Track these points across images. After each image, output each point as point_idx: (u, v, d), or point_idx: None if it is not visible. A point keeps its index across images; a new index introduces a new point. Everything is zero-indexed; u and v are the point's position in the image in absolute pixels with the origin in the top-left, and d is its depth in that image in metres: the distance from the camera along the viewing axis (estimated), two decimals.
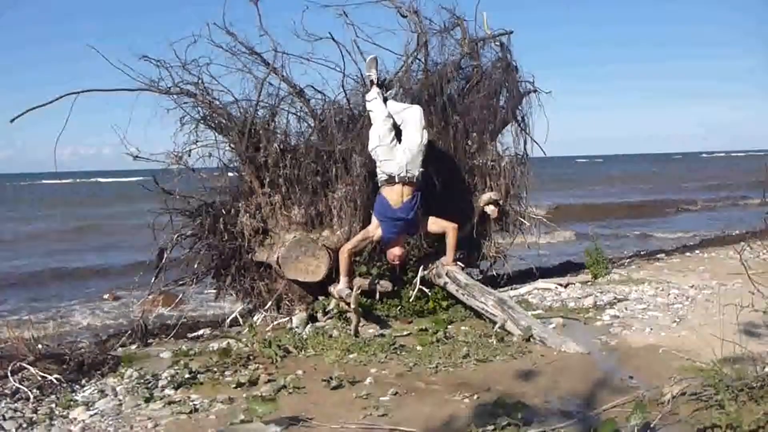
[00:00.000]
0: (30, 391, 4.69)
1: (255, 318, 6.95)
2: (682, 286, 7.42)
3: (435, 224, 6.59)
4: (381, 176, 6.38)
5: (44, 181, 61.52)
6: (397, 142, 6.43)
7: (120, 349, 6.33)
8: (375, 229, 6.41)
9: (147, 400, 4.52)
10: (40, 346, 5.35)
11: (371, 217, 6.53)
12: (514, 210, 7.66)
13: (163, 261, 6.93)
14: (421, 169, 6.39)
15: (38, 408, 4.47)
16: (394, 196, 6.31)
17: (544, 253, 11.53)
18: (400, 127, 6.52)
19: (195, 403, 4.43)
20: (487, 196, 7.22)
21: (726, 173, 41.57)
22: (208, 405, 4.40)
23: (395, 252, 6.42)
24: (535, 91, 7.67)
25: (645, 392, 3.95)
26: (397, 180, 6.30)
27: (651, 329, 5.76)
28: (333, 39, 6.93)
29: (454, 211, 6.96)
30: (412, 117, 6.48)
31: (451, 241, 6.58)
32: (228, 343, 5.94)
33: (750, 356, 4.12)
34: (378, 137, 6.40)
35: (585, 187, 35.77)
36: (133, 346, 6.44)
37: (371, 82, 6.78)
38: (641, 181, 39.99)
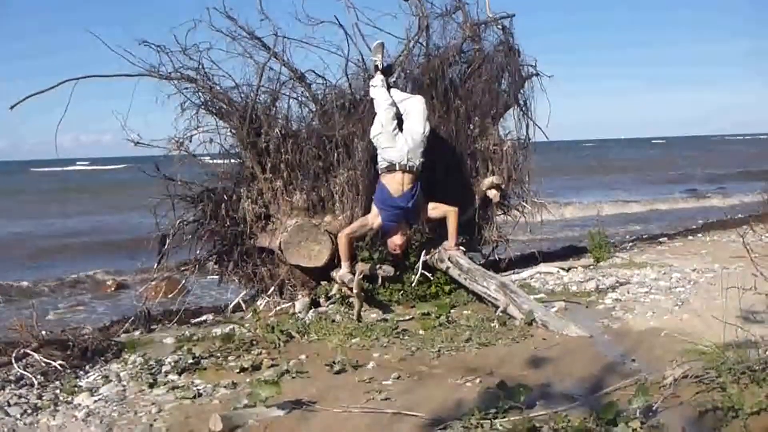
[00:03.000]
0: (34, 377, 4.71)
1: (258, 303, 6.97)
2: (685, 269, 7.41)
3: (435, 209, 6.58)
4: (382, 163, 6.39)
5: (33, 169, 61.56)
6: (399, 130, 6.42)
7: (123, 335, 6.36)
8: (374, 218, 6.42)
9: (151, 386, 4.54)
10: (43, 332, 5.38)
11: (372, 202, 6.52)
12: (517, 194, 7.66)
13: (166, 247, 6.94)
14: (421, 159, 6.38)
15: (43, 394, 4.49)
16: (395, 184, 6.31)
17: (547, 237, 11.56)
18: (402, 117, 6.50)
19: (198, 388, 4.45)
20: (489, 180, 7.21)
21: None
22: (211, 390, 4.42)
23: (396, 241, 6.42)
24: (537, 74, 7.64)
25: (647, 375, 3.96)
26: (397, 168, 6.30)
27: (653, 312, 5.76)
28: (338, 22, 6.90)
29: (456, 195, 6.95)
30: (414, 107, 6.47)
31: (452, 225, 6.57)
32: (231, 328, 5.97)
33: (752, 339, 4.13)
34: (380, 124, 6.40)
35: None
36: (137, 332, 6.46)
37: (376, 67, 6.75)
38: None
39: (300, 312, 6.46)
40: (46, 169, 60.58)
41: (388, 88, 6.69)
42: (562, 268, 7.74)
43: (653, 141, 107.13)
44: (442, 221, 6.69)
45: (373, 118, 6.56)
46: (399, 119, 6.51)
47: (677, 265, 7.73)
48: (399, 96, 6.63)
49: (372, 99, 6.69)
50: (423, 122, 6.40)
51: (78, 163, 67.19)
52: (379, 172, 6.44)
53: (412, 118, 6.44)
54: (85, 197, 28.74)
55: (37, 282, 11.38)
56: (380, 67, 6.75)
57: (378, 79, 6.67)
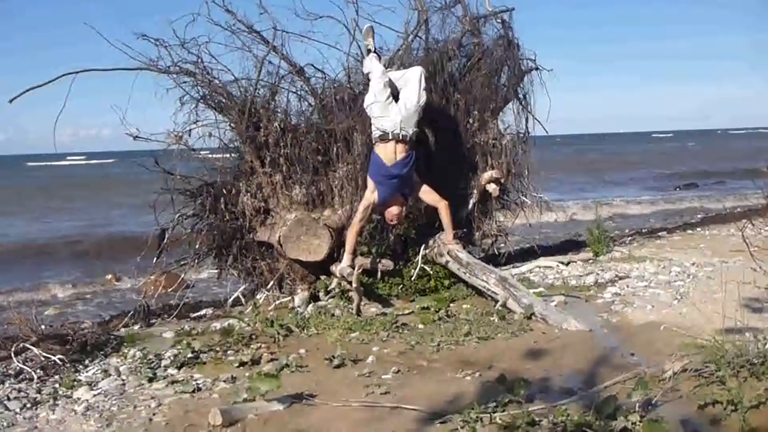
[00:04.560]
0: (34, 371, 4.72)
1: (257, 298, 6.96)
2: (684, 263, 7.42)
3: (428, 194, 6.52)
4: (375, 132, 6.32)
5: (28, 163, 61.62)
6: (394, 101, 6.39)
7: (123, 329, 6.36)
8: (372, 193, 6.34)
9: (150, 380, 4.55)
10: (43, 326, 5.38)
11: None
12: (516, 188, 7.65)
13: (165, 241, 6.93)
14: (415, 129, 6.34)
15: (42, 388, 4.50)
16: (388, 153, 6.25)
17: (546, 231, 11.57)
18: (401, 89, 6.46)
19: (198, 382, 4.46)
20: (488, 174, 7.20)
21: None
22: (210, 384, 4.43)
23: (393, 211, 6.36)
24: (536, 68, 7.62)
25: (646, 369, 3.96)
26: (390, 137, 6.24)
27: (652, 306, 5.76)
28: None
29: (455, 189, 6.95)
30: (413, 76, 6.41)
31: (445, 219, 6.53)
32: (230, 322, 5.97)
33: (751, 332, 4.13)
34: (373, 94, 6.35)
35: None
36: (136, 327, 6.47)
37: (368, 50, 6.74)
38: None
39: (299, 306, 6.46)
40: (41, 163, 60.64)
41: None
42: (562, 262, 7.74)
43: (653, 135, 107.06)
44: (434, 210, 6.63)
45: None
46: (395, 93, 6.47)
47: (676, 259, 7.74)
48: (398, 73, 6.59)
49: (367, 74, 6.65)
50: (418, 91, 6.35)
51: (69, 157, 66.69)
52: (373, 141, 6.40)
53: (408, 87, 6.39)
54: (74, 192, 28.27)
55: (36, 277, 11.39)
56: (373, 50, 6.73)
57: (371, 55, 6.65)
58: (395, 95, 6.41)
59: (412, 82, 6.39)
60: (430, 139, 6.88)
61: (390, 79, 6.45)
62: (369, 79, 6.60)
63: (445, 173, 6.98)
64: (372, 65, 6.54)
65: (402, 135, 6.23)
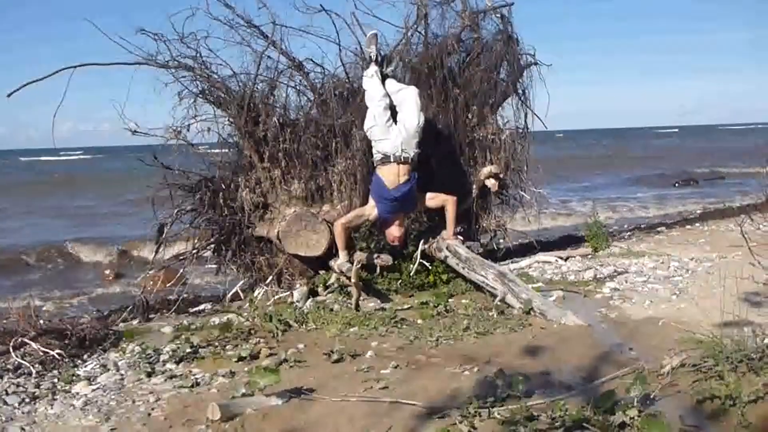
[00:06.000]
0: (32, 366, 4.71)
1: (256, 293, 6.96)
2: (683, 258, 7.42)
3: (433, 199, 6.56)
4: (376, 156, 6.36)
5: (22, 159, 61.83)
6: (393, 122, 6.39)
7: (121, 324, 6.37)
8: (371, 209, 6.40)
9: (149, 375, 4.54)
10: (41, 321, 5.38)
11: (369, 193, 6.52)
12: (515, 183, 7.65)
13: (163, 236, 6.93)
14: (417, 150, 6.35)
15: (41, 383, 4.49)
16: (390, 176, 6.28)
17: (545, 226, 11.55)
18: (396, 108, 6.47)
19: (197, 377, 4.46)
20: (487, 169, 7.19)
21: None
22: (209, 379, 4.42)
23: (394, 233, 6.41)
24: (535, 63, 7.61)
25: (645, 364, 3.95)
26: (392, 159, 6.27)
27: (651, 301, 5.76)
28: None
29: (455, 184, 6.94)
30: (408, 98, 6.42)
31: (450, 215, 6.56)
32: (229, 317, 5.98)
33: (750, 327, 4.13)
34: (373, 117, 6.37)
35: None
36: (135, 321, 6.47)
37: (370, 58, 6.72)
38: None
39: (298, 301, 6.46)
40: (34, 158, 60.77)
41: (384, 78, 6.65)
42: (560, 258, 7.75)
43: (654, 131, 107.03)
44: (440, 211, 6.67)
45: (367, 109, 6.54)
46: (393, 110, 6.48)
47: (675, 254, 7.74)
48: (394, 87, 6.58)
49: (364, 91, 6.65)
50: (417, 113, 6.36)
51: (62, 153, 66.62)
52: (375, 164, 6.42)
53: (406, 109, 6.40)
54: (66, 189, 28.13)
55: (33, 274, 11.39)
56: (374, 58, 6.71)
57: (372, 69, 6.63)
58: (393, 111, 6.41)
59: (408, 103, 6.39)
60: (430, 136, 6.86)
61: (390, 100, 6.44)
62: (365, 87, 6.60)
63: (444, 169, 6.98)
64: (371, 85, 6.53)
65: (404, 157, 6.25)
